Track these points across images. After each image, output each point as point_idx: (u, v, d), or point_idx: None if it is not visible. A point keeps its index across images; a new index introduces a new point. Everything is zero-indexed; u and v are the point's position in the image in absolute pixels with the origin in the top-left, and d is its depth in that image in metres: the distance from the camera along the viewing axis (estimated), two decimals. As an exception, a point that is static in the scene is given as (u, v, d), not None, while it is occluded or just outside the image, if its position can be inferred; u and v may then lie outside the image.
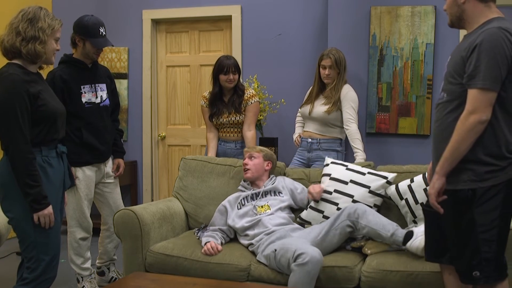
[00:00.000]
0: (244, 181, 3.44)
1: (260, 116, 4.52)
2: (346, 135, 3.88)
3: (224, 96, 3.96)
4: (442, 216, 2.30)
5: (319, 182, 3.39)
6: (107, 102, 3.57)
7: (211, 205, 3.53)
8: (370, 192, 3.20)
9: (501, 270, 2.26)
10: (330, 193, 3.25)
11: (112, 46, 3.54)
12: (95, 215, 3.79)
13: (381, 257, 2.87)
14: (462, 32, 2.42)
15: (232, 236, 3.30)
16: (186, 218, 3.61)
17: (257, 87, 4.62)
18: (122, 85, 5.38)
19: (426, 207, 2.51)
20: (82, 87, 3.44)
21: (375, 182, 3.22)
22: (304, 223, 3.29)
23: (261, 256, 2.96)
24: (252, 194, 3.32)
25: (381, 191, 3.22)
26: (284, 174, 3.58)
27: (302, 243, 2.81)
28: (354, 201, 3.16)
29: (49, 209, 2.55)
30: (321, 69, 3.92)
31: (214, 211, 3.39)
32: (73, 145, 3.31)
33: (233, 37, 5.08)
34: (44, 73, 2.94)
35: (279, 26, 4.93)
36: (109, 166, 3.63)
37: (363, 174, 3.28)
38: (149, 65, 5.35)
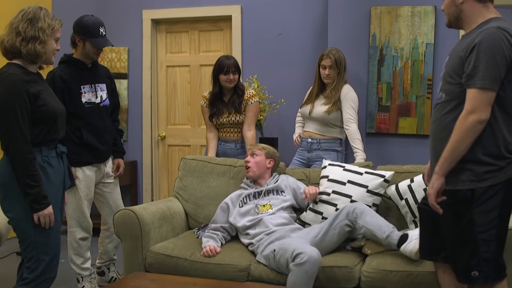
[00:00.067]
0: (247, 178, 3.44)
1: (260, 116, 4.52)
2: (346, 135, 3.88)
3: (224, 96, 3.96)
4: (441, 216, 2.30)
5: (319, 183, 3.39)
6: (107, 102, 3.57)
7: (211, 205, 3.53)
8: (368, 191, 3.20)
9: (500, 270, 2.26)
10: (328, 194, 3.25)
11: (112, 46, 3.54)
12: (95, 215, 3.79)
13: (381, 257, 2.87)
14: (462, 32, 2.42)
15: (234, 234, 3.30)
16: (186, 218, 3.61)
17: (257, 87, 4.62)
18: (122, 85, 5.38)
19: (422, 205, 2.51)
20: (82, 87, 3.44)
21: (372, 182, 3.22)
22: (303, 225, 3.29)
23: (261, 256, 2.96)
24: (255, 193, 3.32)
25: (380, 190, 3.22)
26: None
27: (301, 243, 2.81)
28: (352, 201, 3.16)
29: (49, 209, 2.55)
30: (321, 69, 3.92)
31: (214, 211, 3.39)
32: (73, 145, 3.31)
33: (233, 37, 5.08)
34: (44, 73, 2.94)
35: (279, 26, 4.93)
36: (109, 166, 3.63)
37: (361, 174, 3.28)
38: (149, 65, 5.36)
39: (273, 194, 3.31)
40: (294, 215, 3.31)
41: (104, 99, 3.54)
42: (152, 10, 5.29)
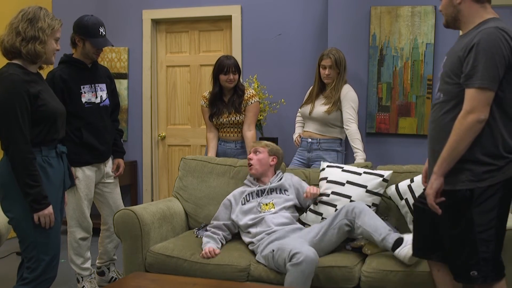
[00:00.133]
0: (250, 175, 3.43)
1: (260, 116, 4.52)
2: (346, 135, 3.88)
3: (224, 96, 3.96)
4: (439, 215, 2.30)
5: (318, 184, 3.38)
6: (107, 102, 3.57)
7: (211, 205, 3.53)
8: (368, 191, 3.20)
9: (499, 270, 2.26)
10: (327, 195, 3.25)
11: (112, 46, 3.54)
12: (95, 215, 3.79)
13: (381, 257, 2.87)
14: (461, 33, 2.43)
15: (236, 231, 3.29)
16: (186, 218, 3.61)
17: (257, 87, 4.62)
18: (122, 85, 5.38)
19: (417, 203, 2.52)
20: (82, 87, 3.44)
21: (371, 181, 3.22)
22: (303, 225, 3.28)
23: (260, 256, 2.96)
24: (258, 191, 3.31)
25: (379, 190, 3.22)
26: (284, 174, 3.57)
27: (298, 243, 2.81)
28: (352, 202, 3.16)
29: (49, 209, 2.55)
30: (321, 69, 3.92)
31: (214, 211, 3.38)
32: (73, 145, 3.31)
33: (233, 37, 5.08)
34: (44, 73, 2.94)
35: (279, 26, 4.93)
36: (109, 166, 3.63)
37: (359, 174, 3.28)
38: (149, 65, 5.35)
39: (276, 193, 3.30)
40: (297, 214, 3.30)
41: (104, 99, 3.54)
42: (152, 10, 5.29)
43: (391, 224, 3.21)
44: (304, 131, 4.05)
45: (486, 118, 2.17)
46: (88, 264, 3.58)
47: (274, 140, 4.59)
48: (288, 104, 4.69)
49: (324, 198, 3.24)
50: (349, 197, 3.20)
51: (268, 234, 3.05)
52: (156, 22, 5.38)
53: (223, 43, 5.22)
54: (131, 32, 5.37)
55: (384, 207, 3.28)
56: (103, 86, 3.56)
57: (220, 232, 3.23)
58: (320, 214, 3.24)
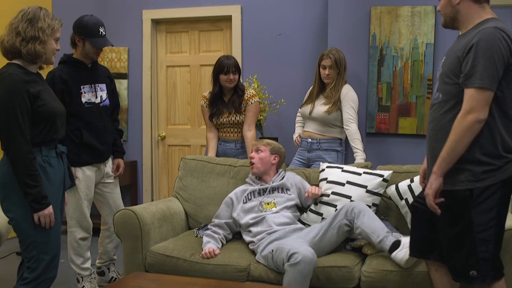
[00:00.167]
0: (253, 174, 3.41)
1: (260, 116, 4.52)
2: (346, 135, 3.88)
3: (224, 96, 3.96)
4: (438, 215, 2.30)
5: (318, 185, 3.38)
6: (107, 102, 3.57)
7: (211, 205, 3.53)
8: (368, 191, 3.20)
9: (498, 269, 2.27)
10: (328, 195, 3.25)
11: (112, 46, 3.54)
12: (95, 215, 3.79)
13: (381, 257, 2.87)
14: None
15: (237, 230, 3.29)
16: (186, 218, 3.61)
17: (257, 87, 4.62)
18: (122, 85, 5.38)
19: (415, 203, 2.52)
20: (82, 87, 3.43)
21: (371, 181, 3.22)
22: (303, 225, 3.28)
23: (260, 256, 2.96)
24: (260, 190, 3.30)
25: (379, 190, 3.22)
26: (284, 174, 3.57)
27: (296, 243, 2.81)
28: (352, 202, 3.15)
29: (49, 209, 2.55)
30: (321, 69, 3.92)
31: (214, 211, 3.38)
32: (73, 145, 3.31)
33: (233, 37, 5.08)
34: (44, 73, 2.94)
35: (279, 26, 4.93)
36: (109, 166, 3.63)
37: (359, 174, 3.28)
38: (149, 65, 5.35)
39: (278, 192, 3.29)
40: (298, 214, 3.29)
41: (104, 99, 3.54)
42: (152, 10, 5.29)
43: (390, 224, 3.21)
44: (304, 131, 4.05)
45: (486, 118, 2.17)
46: (88, 264, 3.58)
47: (274, 140, 4.58)
48: (288, 104, 4.69)
49: (325, 198, 3.24)
50: (349, 197, 3.20)
51: (269, 233, 3.05)
52: (156, 22, 5.38)
53: (223, 43, 5.22)
54: (131, 32, 5.37)
55: (384, 207, 3.28)
56: (103, 86, 3.56)
57: (221, 232, 3.23)
58: (320, 214, 3.24)
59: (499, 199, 2.22)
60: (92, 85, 3.48)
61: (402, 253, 2.70)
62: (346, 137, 3.88)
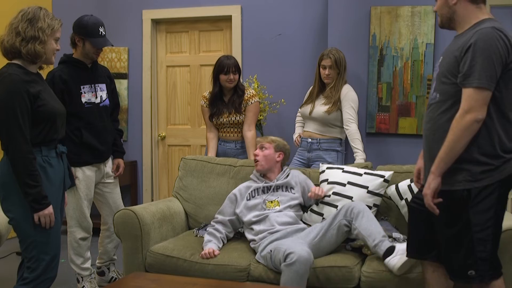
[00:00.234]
0: (257, 171, 3.39)
1: (260, 116, 4.52)
2: (346, 135, 3.88)
3: (224, 96, 3.96)
4: (435, 215, 2.30)
5: (319, 184, 3.38)
6: (107, 102, 3.57)
7: (211, 205, 3.53)
8: (369, 192, 3.20)
9: (496, 269, 2.27)
10: (328, 196, 3.24)
11: (112, 46, 3.54)
12: (95, 215, 3.79)
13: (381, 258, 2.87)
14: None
15: (240, 227, 3.28)
16: (186, 218, 3.61)
17: (257, 87, 4.62)
18: (122, 85, 5.38)
19: (412, 203, 2.51)
20: (81, 87, 3.43)
21: (372, 182, 3.22)
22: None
23: (260, 256, 2.96)
24: (263, 187, 3.28)
25: (380, 190, 3.22)
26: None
27: (293, 243, 2.80)
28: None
29: (50, 209, 2.55)
30: (321, 69, 3.92)
31: (214, 211, 3.38)
32: (73, 145, 3.31)
33: (233, 37, 5.08)
34: (44, 73, 2.94)
35: (279, 26, 4.93)
36: (109, 166, 3.63)
37: (360, 175, 3.28)
38: (149, 65, 5.36)
39: (282, 191, 3.27)
40: (301, 213, 3.27)
41: (104, 99, 3.54)
42: (152, 10, 5.29)
43: (390, 224, 3.21)
44: (304, 131, 4.05)
45: (484, 117, 2.18)
46: (88, 264, 3.58)
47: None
48: (288, 104, 4.69)
49: (326, 199, 3.24)
50: (350, 197, 3.19)
51: (271, 233, 3.04)
52: (156, 22, 5.38)
53: (223, 43, 5.22)
54: (131, 32, 5.37)
55: (384, 207, 3.28)
56: (103, 86, 3.56)
57: (223, 230, 3.22)
58: (321, 214, 3.23)
59: (496, 199, 2.23)
60: (92, 85, 3.48)
61: (395, 259, 2.69)
62: (346, 137, 3.88)
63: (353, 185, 3.23)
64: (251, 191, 3.28)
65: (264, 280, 2.87)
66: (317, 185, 3.37)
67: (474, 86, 2.16)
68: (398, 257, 2.68)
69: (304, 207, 3.34)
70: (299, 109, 4.13)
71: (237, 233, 3.35)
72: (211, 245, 3.09)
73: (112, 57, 5.43)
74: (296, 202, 3.24)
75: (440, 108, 2.30)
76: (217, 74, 3.89)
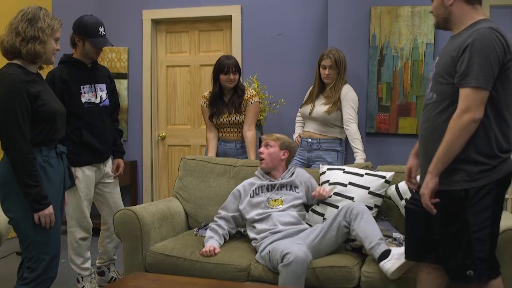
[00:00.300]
0: (261, 169, 3.36)
1: (260, 116, 4.52)
2: (346, 135, 3.88)
3: (225, 96, 3.96)
4: (433, 216, 2.30)
5: (320, 185, 3.37)
6: (107, 102, 3.57)
7: (211, 205, 3.53)
8: (370, 193, 3.20)
9: (494, 268, 2.27)
10: (330, 196, 3.24)
11: (112, 45, 3.54)
12: (95, 215, 3.79)
13: (381, 257, 2.87)
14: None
15: (243, 223, 3.27)
16: (186, 218, 3.61)
17: (257, 87, 4.62)
18: (122, 85, 5.38)
19: (410, 205, 2.51)
20: (81, 87, 3.43)
21: (374, 183, 3.21)
22: (304, 225, 3.28)
23: (259, 256, 2.96)
24: (268, 185, 3.25)
25: (381, 191, 3.21)
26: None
27: (290, 244, 2.80)
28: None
29: (50, 209, 2.55)
30: (321, 69, 3.92)
31: (214, 211, 3.38)
32: (73, 145, 3.31)
33: (233, 37, 5.08)
34: (44, 73, 2.94)
35: (279, 26, 4.93)
36: (108, 166, 3.63)
37: (361, 175, 3.27)
38: (149, 65, 5.36)
39: (286, 189, 3.25)
40: (304, 213, 3.26)
41: (103, 99, 3.54)
42: (152, 10, 5.29)
43: (390, 224, 3.21)
44: (304, 131, 4.05)
45: (481, 117, 2.18)
46: (88, 264, 3.58)
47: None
48: (288, 104, 4.69)
49: (327, 199, 3.24)
50: (351, 198, 3.19)
51: (272, 233, 3.04)
52: (156, 22, 5.38)
53: (223, 43, 5.22)
54: (131, 32, 5.37)
55: (384, 207, 3.28)
56: (103, 86, 3.56)
57: (225, 227, 3.22)
58: (322, 214, 3.23)
59: (493, 199, 2.23)
60: (92, 85, 3.48)
61: (389, 264, 2.68)
62: (346, 137, 3.88)
63: (355, 186, 3.22)
64: (255, 188, 3.26)
65: (264, 280, 2.87)
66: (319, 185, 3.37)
67: (472, 86, 2.16)
68: (393, 261, 2.67)
69: (306, 206, 3.34)
70: (299, 109, 4.13)
71: (237, 233, 3.34)
72: (212, 242, 3.09)
73: (112, 57, 5.43)
74: (299, 201, 3.23)
75: (437, 108, 2.31)
76: (217, 74, 3.89)
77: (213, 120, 3.98)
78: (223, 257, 3.00)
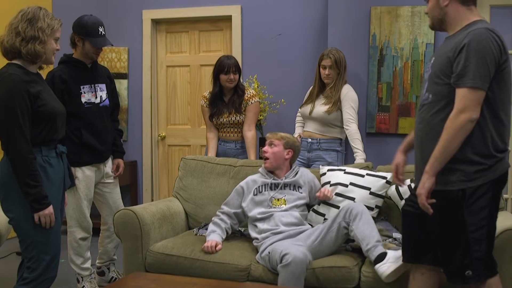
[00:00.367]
0: (265, 168, 3.34)
1: (260, 116, 4.52)
2: (346, 135, 3.88)
3: (225, 96, 3.96)
4: (429, 217, 2.30)
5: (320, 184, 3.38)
6: (107, 102, 3.57)
7: (211, 205, 3.53)
8: (371, 193, 3.19)
9: (491, 268, 2.28)
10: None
11: (112, 45, 3.54)
12: (95, 215, 3.79)
13: (381, 257, 2.87)
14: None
15: (245, 220, 3.26)
16: (186, 218, 3.61)
17: (257, 87, 4.62)
18: (122, 85, 5.38)
19: (406, 207, 2.51)
20: (81, 87, 3.43)
21: (375, 183, 3.21)
22: (304, 225, 3.27)
23: (260, 256, 2.96)
24: (271, 184, 3.24)
25: (382, 192, 3.21)
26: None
27: (290, 244, 2.80)
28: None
29: (50, 209, 2.55)
30: (321, 69, 3.92)
31: (214, 211, 3.38)
32: (73, 145, 3.31)
33: (233, 37, 5.08)
34: (44, 73, 2.94)
35: (279, 26, 4.93)
36: (108, 166, 3.63)
37: (362, 176, 3.27)
38: (149, 65, 5.36)
39: (290, 189, 3.23)
40: (306, 213, 3.25)
41: (103, 99, 3.54)
42: (152, 10, 5.30)
43: (390, 224, 3.21)
44: (304, 131, 4.05)
45: (478, 117, 2.19)
46: (88, 264, 3.58)
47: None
48: (288, 104, 4.69)
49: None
50: (352, 198, 3.18)
51: (274, 233, 3.03)
52: (156, 22, 5.38)
53: (223, 43, 5.22)
54: (131, 32, 5.37)
55: (385, 207, 3.28)
56: (103, 86, 3.56)
57: (228, 221, 3.21)
58: (323, 215, 3.23)
59: (490, 198, 2.24)
60: (92, 85, 3.48)
61: (385, 267, 2.68)
62: (346, 137, 3.88)
63: (356, 186, 3.22)
64: (259, 186, 3.25)
65: (264, 281, 2.87)
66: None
67: (468, 86, 2.17)
68: (388, 264, 2.67)
69: (308, 206, 3.33)
70: (299, 109, 4.13)
71: (237, 232, 3.34)
72: (214, 236, 3.09)
73: (112, 57, 5.43)
74: (302, 202, 3.22)
75: (433, 108, 2.31)
76: (217, 74, 3.89)
77: (213, 120, 3.98)
78: (223, 256, 3.00)
